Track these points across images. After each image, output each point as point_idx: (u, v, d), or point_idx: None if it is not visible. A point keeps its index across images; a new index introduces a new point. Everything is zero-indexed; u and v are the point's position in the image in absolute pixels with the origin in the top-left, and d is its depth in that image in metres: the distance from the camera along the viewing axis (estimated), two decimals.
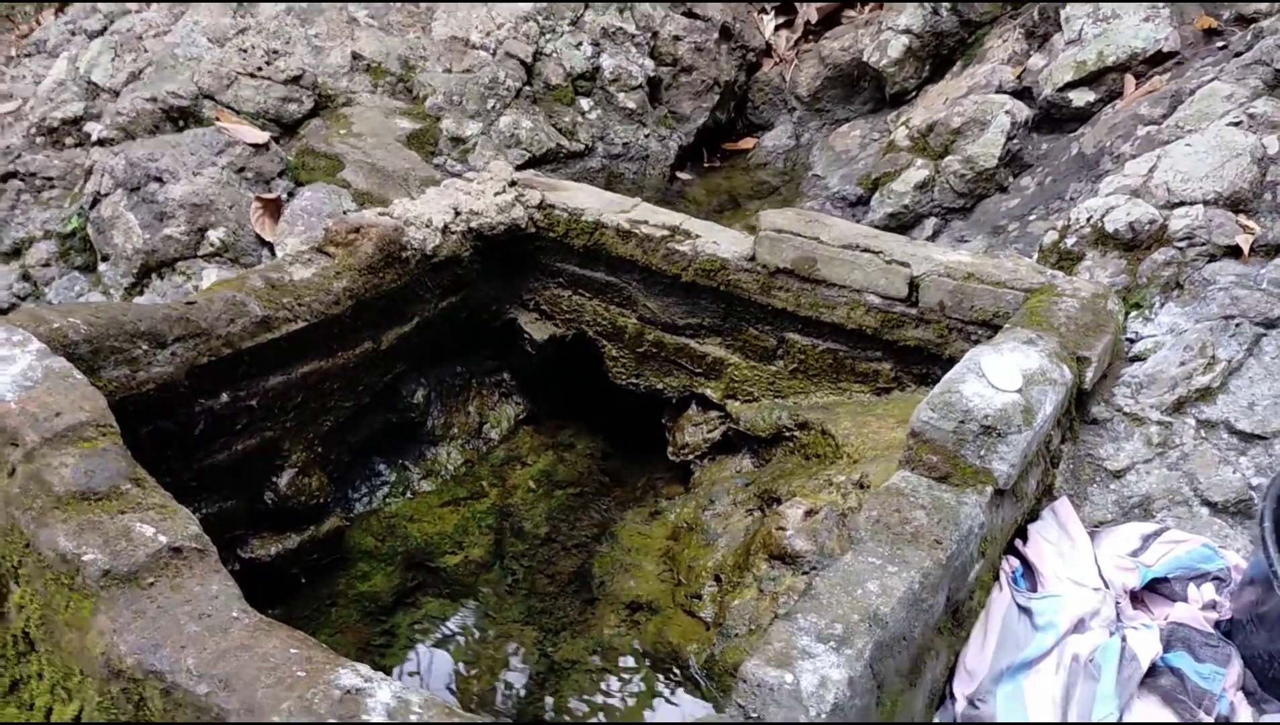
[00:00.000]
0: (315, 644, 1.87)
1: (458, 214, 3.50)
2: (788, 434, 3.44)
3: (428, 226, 3.38)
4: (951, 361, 3.23)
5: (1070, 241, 3.52)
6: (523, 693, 3.01)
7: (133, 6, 5.22)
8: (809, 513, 3.00)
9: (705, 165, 5.30)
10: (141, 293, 3.83)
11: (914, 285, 3.23)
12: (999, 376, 2.54)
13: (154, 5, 5.14)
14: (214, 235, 3.78)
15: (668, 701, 2.91)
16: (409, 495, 3.51)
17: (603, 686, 3.04)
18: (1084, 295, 3.06)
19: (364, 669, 1.78)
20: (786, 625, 2.02)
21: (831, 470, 3.16)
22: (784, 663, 1.93)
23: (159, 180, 3.79)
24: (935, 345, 3.25)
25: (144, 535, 1.95)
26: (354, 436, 3.29)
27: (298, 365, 2.95)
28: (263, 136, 4.04)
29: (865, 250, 3.29)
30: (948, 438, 2.43)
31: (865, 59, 5.14)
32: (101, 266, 3.92)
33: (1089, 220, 3.49)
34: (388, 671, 3.01)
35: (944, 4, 5.00)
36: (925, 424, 2.46)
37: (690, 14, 5.47)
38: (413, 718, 1.67)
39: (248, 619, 1.88)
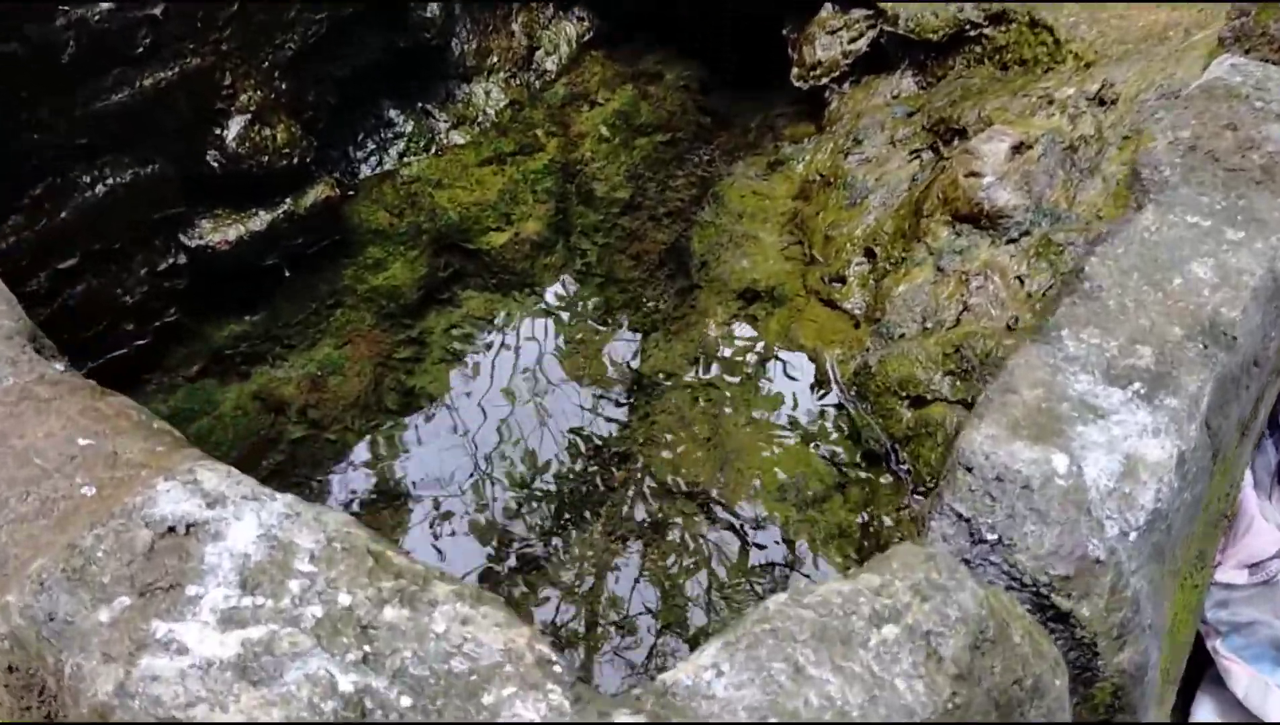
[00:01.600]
0: (139, 425, 0.99)
1: None
2: (972, 33, 2.31)
3: None
4: None
5: None
6: (599, 422, 2.18)
7: None
8: (1018, 147, 1.94)
9: None
10: None
11: None
12: None
13: None
14: None
15: (800, 438, 2.04)
16: (434, 152, 2.55)
17: (708, 408, 2.17)
18: None
19: (210, 475, 0.90)
20: (1044, 351, 1.05)
21: (1049, 81, 2.06)
22: (1045, 431, 0.98)
23: None
24: None
25: None
26: (339, 67, 2.30)
27: None
28: None
29: None
30: None
31: None
32: None
33: None
34: (422, 400, 2.20)
35: None
36: None
37: None
38: (291, 590, 0.80)
39: (20, 374, 1.00)
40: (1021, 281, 1.86)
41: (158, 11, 1.84)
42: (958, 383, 1.82)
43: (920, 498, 1.82)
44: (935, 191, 2.03)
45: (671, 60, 2.94)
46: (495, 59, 2.71)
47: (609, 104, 2.78)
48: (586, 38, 2.87)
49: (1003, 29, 2.25)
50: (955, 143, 2.17)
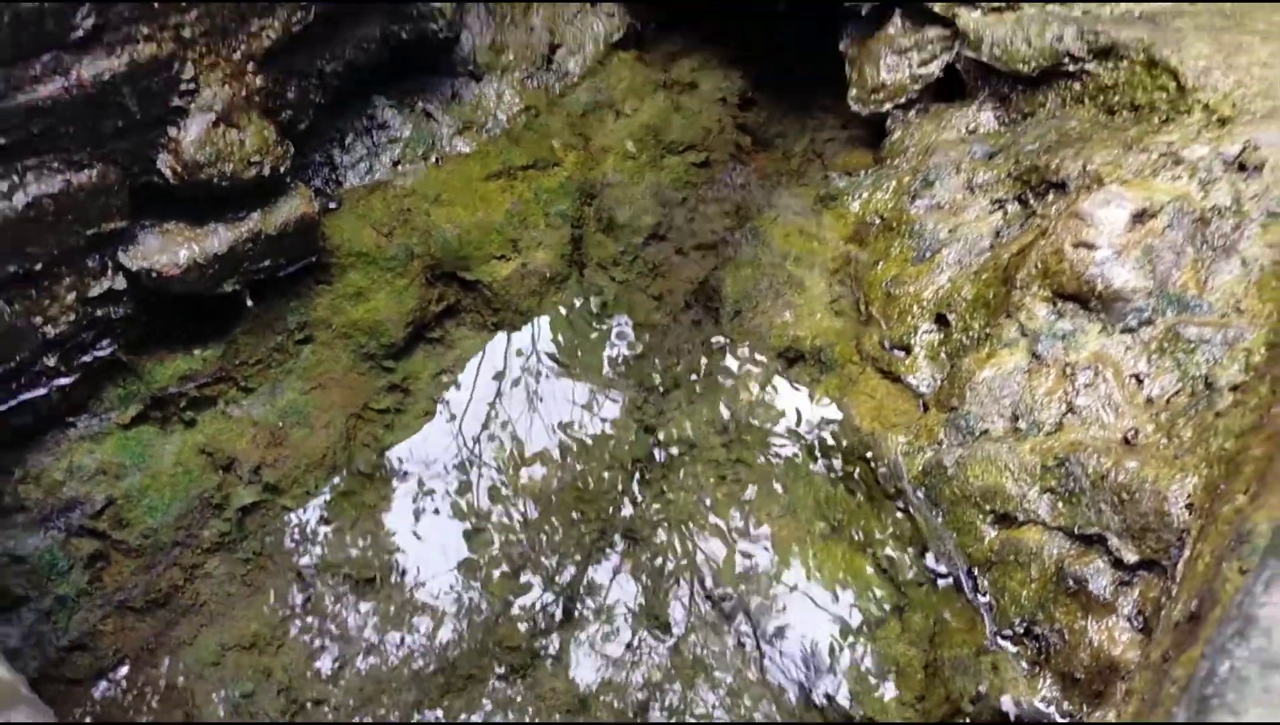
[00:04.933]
0: None
1: None
2: (1072, 67, 1.97)
3: None
4: None
5: None
6: (608, 501, 1.84)
7: None
8: (1139, 215, 1.61)
9: None
10: None
11: None
12: None
13: None
14: None
15: (856, 548, 1.70)
16: (434, 161, 2.20)
17: (735, 490, 1.84)
18: None
19: None
20: None
21: (1172, 134, 1.73)
22: None
23: None
24: None
25: None
26: (329, 61, 1.94)
27: None
28: None
29: None
30: None
31: None
32: None
33: None
34: (400, 462, 1.86)
35: None
36: None
37: None
38: None
39: None
40: (1140, 382, 1.53)
41: None
42: (1060, 505, 1.49)
43: (1005, 642, 1.49)
44: (1032, 258, 1.69)
45: (709, 68, 2.59)
46: (511, 56, 2.36)
47: (637, 115, 2.43)
48: (616, 37, 2.52)
49: (1110, 66, 1.91)
50: (1051, 197, 1.84)
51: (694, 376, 2.03)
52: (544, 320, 2.09)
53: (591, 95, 2.44)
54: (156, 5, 1.58)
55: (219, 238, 1.77)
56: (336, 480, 1.81)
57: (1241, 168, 1.61)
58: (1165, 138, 1.72)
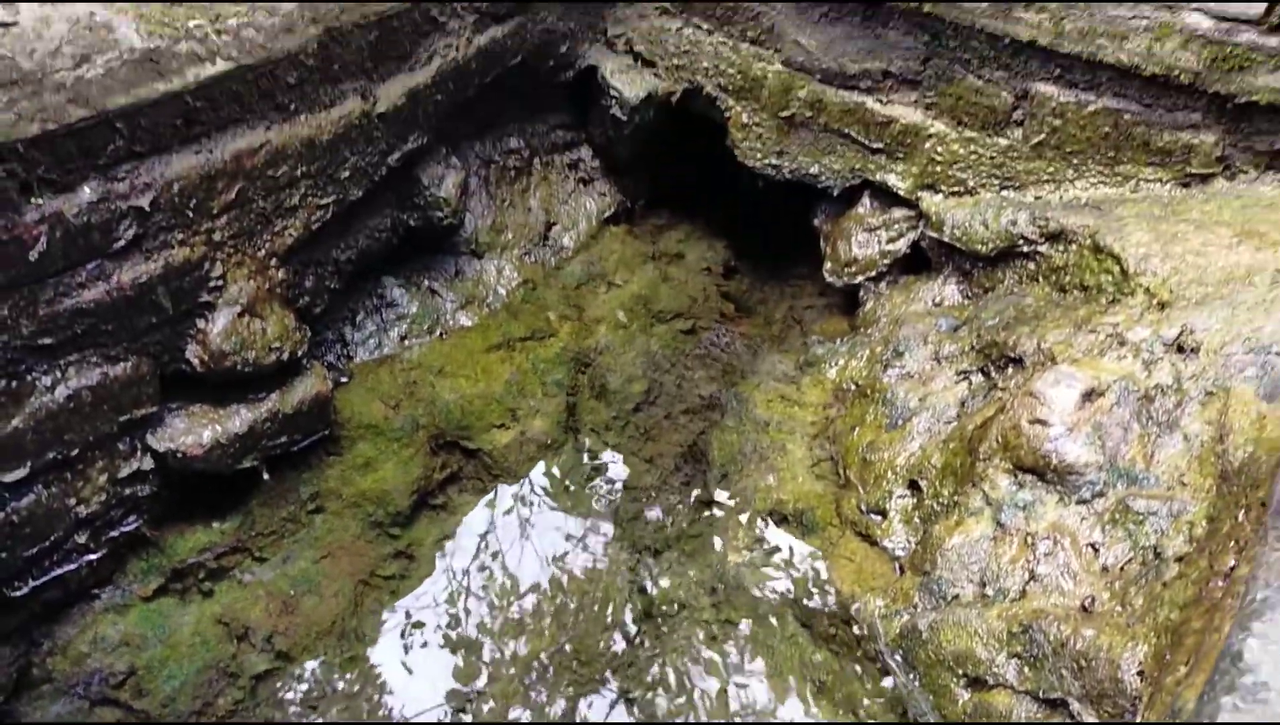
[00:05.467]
0: None
1: None
2: (1026, 249, 2.15)
3: None
4: None
5: None
6: (603, 663, 1.93)
7: None
8: (1088, 394, 1.75)
9: None
10: None
11: None
12: None
13: None
14: None
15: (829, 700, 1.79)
16: (438, 335, 2.36)
17: (723, 649, 1.93)
18: None
19: None
20: None
21: (1118, 316, 1.89)
22: None
23: None
24: None
25: None
26: (344, 250, 2.12)
27: (225, 138, 1.76)
28: None
29: None
30: None
31: None
32: None
33: None
34: (406, 626, 1.96)
35: None
36: None
37: None
38: None
39: None
40: (1096, 551, 1.65)
41: (145, 203, 1.65)
42: (1026, 669, 1.59)
43: None
44: (993, 432, 1.83)
45: (694, 239, 2.78)
46: (510, 235, 2.54)
47: (628, 286, 2.60)
48: (608, 213, 2.71)
49: (1061, 249, 2.09)
50: (1010, 371, 1.99)
51: (684, 538, 2.15)
52: (541, 485, 2.21)
53: (585, 268, 2.61)
54: (190, 214, 1.75)
55: (240, 418, 1.91)
56: (344, 646, 1.91)
57: (1180, 349, 1.77)
58: (1111, 319, 1.89)
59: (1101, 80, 2.06)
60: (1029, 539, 1.70)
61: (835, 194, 2.50)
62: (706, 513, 2.18)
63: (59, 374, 1.67)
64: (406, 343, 2.33)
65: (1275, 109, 1.93)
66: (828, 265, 2.50)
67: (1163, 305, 1.85)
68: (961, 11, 2.11)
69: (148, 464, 1.84)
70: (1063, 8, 2.03)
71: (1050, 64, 2.09)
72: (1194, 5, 1.93)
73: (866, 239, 2.45)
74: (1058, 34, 2.04)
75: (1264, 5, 1.89)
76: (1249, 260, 1.83)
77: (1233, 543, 1.42)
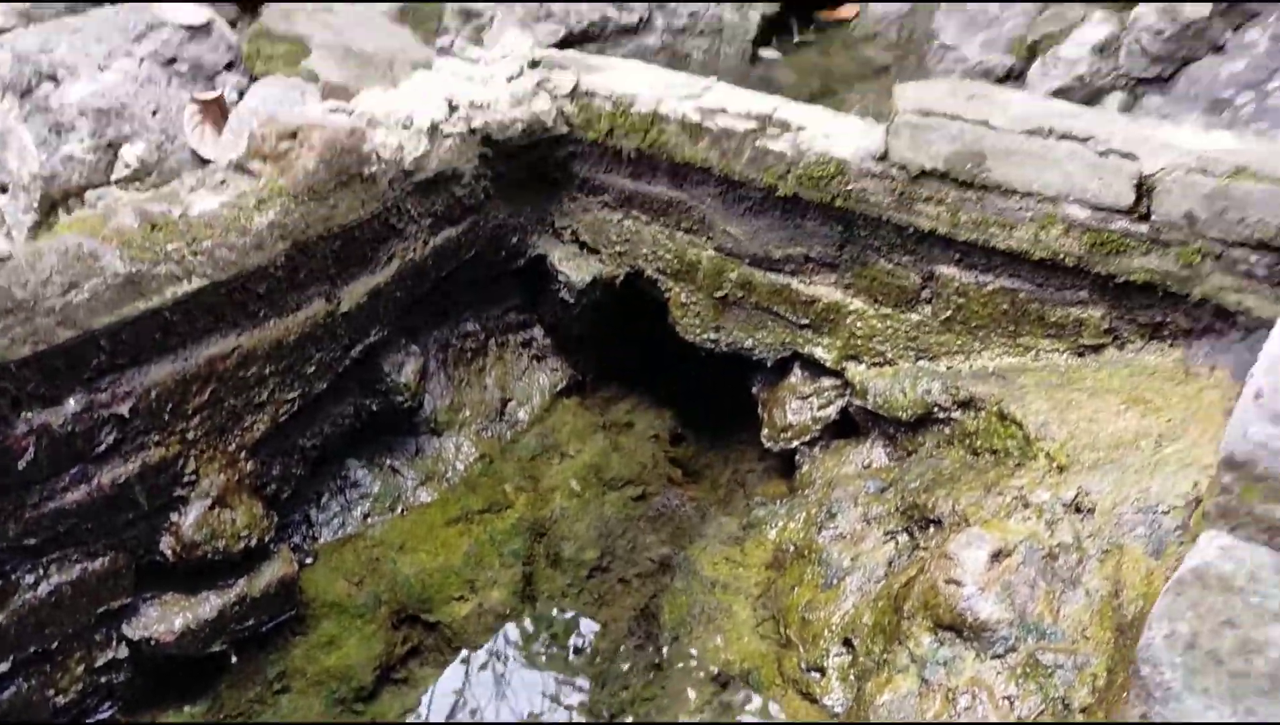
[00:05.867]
0: None
1: (453, 109, 2.42)
2: (942, 415, 2.33)
3: (406, 128, 2.30)
4: (1202, 306, 2.12)
5: None
6: None
7: None
8: (997, 554, 1.91)
9: (795, 40, 4.10)
10: (51, 231, 2.82)
11: (1144, 188, 2.09)
12: None
13: None
14: (130, 153, 2.75)
15: None
16: (399, 512, 2.50)
17: None
18: None
19: None
20: None
21: (1023, 478, 2.06)
22: None
23: (53, 79, 2.75)
24: (1177, 280, 2.11)
25: None
26: (309, 438, 2.27)
27: (198, 346, 1.94)
28: (200, 14, 2.98)
29: (1064, 136, 2.14)
30: None
31: None
32: (0, 199, 2.91)
33: None
34: None
35: None
36: (1262, 448, 1.34)
37: None
38: None
39: None
40: (1011, 703, 1.78)
41: (125, 410, 1.81)
42: None
43: None
44: (916, 591, 1.98)
45: (642, 408, 2.95)
46: (468, 412, 2.70)
47: (580, 455, 2.76)
48: (560, 386, 2.89)
49: (972, 415, 2.28)
50: (931, 531, 2.15)
51: (639, 701, 2.25)
52: (499, 654, 2.31)
53: (540, 440, 2.77)
54: (167, 417, 1.91)
55: (210, 604, 2.02)
56: None
57: (1078, 510, 1.94)
58: (1017, 482, 2.06)
59: (997, 263, 2.29)
60: (950, 694, 1.83)
61: (769, 365, 2.70)
62: (660, 675, 2.29)
63: (41, 572, 1.79)
64: (369, 521, 2.46)
65: (1151, 286, 2.15)
66: (765, 431, 2.67)
67: (1061, 469, 2.03)
68: (869, 206, 2.35)
69: (123, 652, 1.94)
70: (958, 200, 2.26)
71: (950, 250, 2.32)
72: (1073, 197, 2.17)
73: (799, 406, 2.63)
74: (954, 224, 2.28)
75: (1133, 197, 2.13)
76: (1135, 425, 2.02)
77: (1124, 694, 1.55)
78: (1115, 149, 2.11)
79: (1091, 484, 1.94)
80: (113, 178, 2.78)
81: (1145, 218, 2.12)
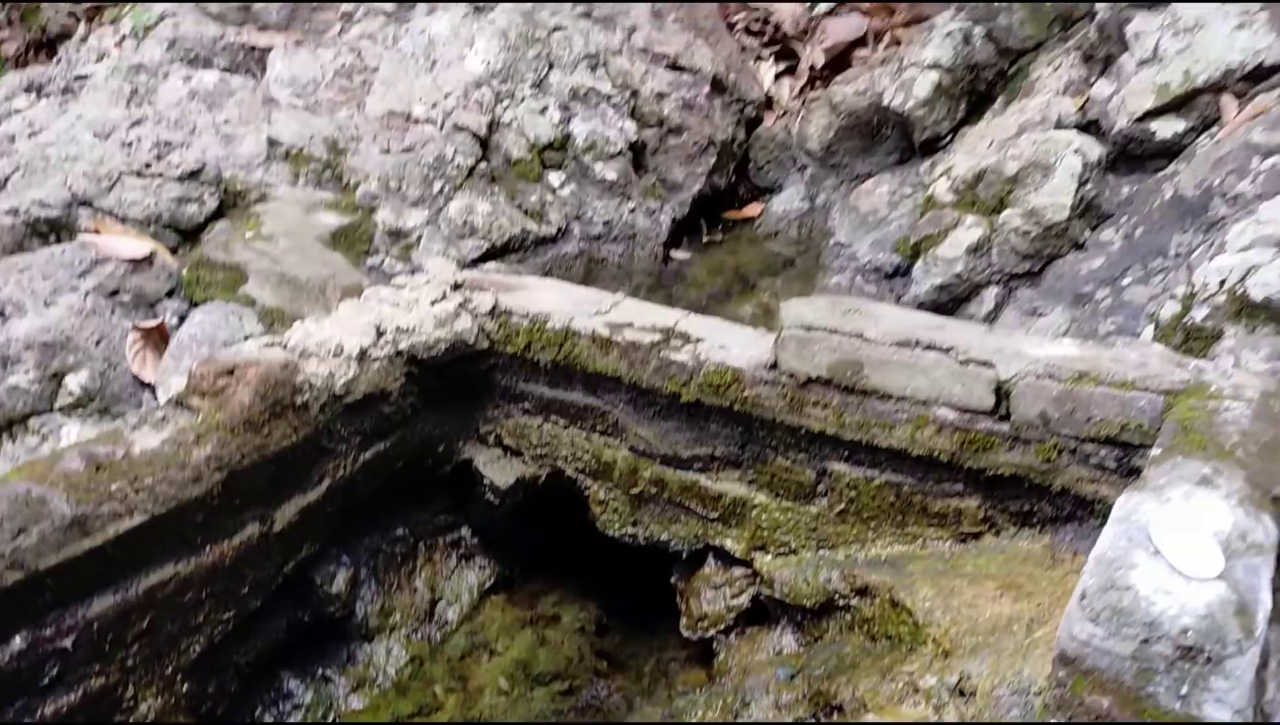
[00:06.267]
0: None
1: (381, 334, 2.63)
2: (842, 603, 2.51)
3: (336, 356, 2.50)
4: (1064, 495, 2.35)
5: (1200, 315, 2.63)
6: None
7: (19, 103, 4.43)
8: None
9: (705, 240, 4.45)
10: None
11: (1002, 392, 2.34)
12: (1184, 552, 1.62)
13: (41, 102, 4.35)
14: (74, 381, 2.91)
15: None
16: (332, 720, 2.57)
17: None
18: (1251, 394, 2.15)
19: None
20: None
21: (913, 664, 2.23)
22: None
23: (1, 315, 2.92)
24: (1039, 473, 2.34)
25: None
26: (243, 654, 2.37)
27: (139, 576, 2.06)
28: (142, 248, 3.20)
29: (929, 347, 2.40)
30: (1124, 668, 1.51)
31: (886, 103, 4.30)
32: None
33: (1223, 285, 2.60)
34: None
35: (977, 29, 4.18)
36: (1085, 646, 1.53)
37: (675, 66, 4.66)
38: None
39: None
40: None
41: (68, 644, 1.92)
42: None
43: None
44: None
45: (568, 601, 3.09)
46: (398, 616, 2.82)
47: (508, 652, 2.87)
48: (488, 584, 3.02)
49: (868, 602, 2.46)
50: (836, 718, 2.29)
51: None
52: None
53: (468, 639, 2.89)
54: (107, 647, 2.02)
55: None
56: None
57: (961, 694, 2.10)
58: (908, 668, 2.23)
59: (881, 459, 2.51)
60: None
61: (684, 556, 2.87)
62: None
63: None
64: None
65: (1018, 478, 2.38)
66: (684, 620, 2.82)
67: (946, 654, 2.20)
68: (764, 409, 2.58)
69: None
70: (842, 404, 2.50)
71: (839, 448, 2.55)
72: (942, 401, 2.42)
73: (714, 595, 2.80)
74: (841, 425, 2.51)
75: (993, 400, 2.38)
76: (1010, 610, 2.22)
77: None
78: (974, 358, 2.37)
79: (972, 668, 2.12)
80: (57, 405, 2.92)
81: (1006, 418, 2.36)
